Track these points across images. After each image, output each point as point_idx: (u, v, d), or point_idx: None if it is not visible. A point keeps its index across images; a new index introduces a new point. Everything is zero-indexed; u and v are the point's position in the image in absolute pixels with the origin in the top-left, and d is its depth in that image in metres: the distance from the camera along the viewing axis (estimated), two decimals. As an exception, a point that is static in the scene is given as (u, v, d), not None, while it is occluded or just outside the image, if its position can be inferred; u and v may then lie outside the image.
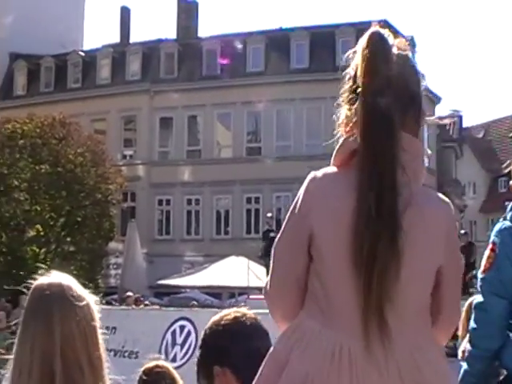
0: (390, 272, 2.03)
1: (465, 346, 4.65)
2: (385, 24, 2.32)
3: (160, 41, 43.06)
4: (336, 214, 2.10)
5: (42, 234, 32.39)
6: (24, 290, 2.29)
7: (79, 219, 33.04)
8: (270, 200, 37.55)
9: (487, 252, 3.89)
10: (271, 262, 2.24)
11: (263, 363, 2.19)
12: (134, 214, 38.85)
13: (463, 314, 5.48)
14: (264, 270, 19.75)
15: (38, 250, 32.15)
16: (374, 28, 2.20)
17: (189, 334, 12.05)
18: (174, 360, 10.96)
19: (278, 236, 2.23)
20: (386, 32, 2.21)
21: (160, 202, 40.87)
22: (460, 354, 5.02)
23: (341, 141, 2.19)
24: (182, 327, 12.24)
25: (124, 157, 41.77)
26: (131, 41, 45.80)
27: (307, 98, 37.14)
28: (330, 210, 2.11)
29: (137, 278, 24.28)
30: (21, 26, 42.32)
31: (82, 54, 44.37)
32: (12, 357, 2.20)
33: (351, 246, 2.05)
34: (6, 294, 23.86)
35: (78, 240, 32.92)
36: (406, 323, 2.08)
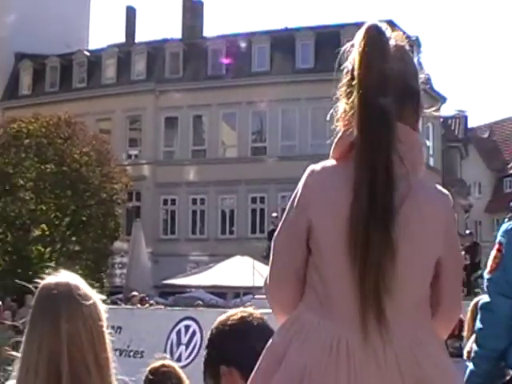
0: (386, 265, 2.03)
1: (470, 346, 4.65)
2: (390, 24, 2.32)
3: (165, 40, 43.08)
4: (334, 207, 2.10)
5: (47, 233, 32.43)
6: (30, 289, 2.30)
7: (84, 219, 33.07)
8: (275, 200, 37.52)
9: (493, 252, 3.88)
10: (271, 255, 2.25)
11: (261, 356, 2.18)
12: (139, 213, 38.87)
13: (468, 314, 5.48)
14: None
15: (43, 250, 32.20)
16: (372, 21, 2.20)
17: (194, 333, 12.06)
18: (179, 360, 10.95)
19: (278, 230, 2.24)
20: (383, 25, 2.21)
21: (165, 202, 40.89)
22: (465, 354, 5.02)
23: (339, 134, 2.20)
24: (187, 327, 12.25)
25: (129, 156, 41.80)
26: (136, 40, 45.81)
27: (312, 97, 37.07)
28: (328, 203, 2.12)
29: (142, 278, 24.30)
30: (26, 26, 42.38)
31: (88, 53, 44.40)
32: (19, 355, 2.21)
33: (347, 239, 2.06)
34: (11, 293, 23.91)
35: (83, 239, 32.96)
36: (404, 316, 2.08)
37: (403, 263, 2.05)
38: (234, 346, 2.60)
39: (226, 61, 40.31)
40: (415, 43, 37.98)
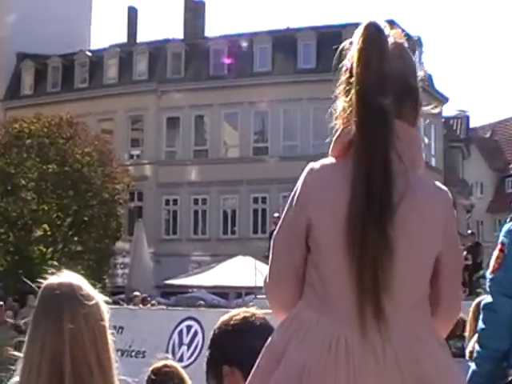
0: (383, 262, 2.03)
1: (472, 346, 4.65)
2: (392, 24, 2.31)
3: (167, 41, 43.09)
4: (333, 205, 2.10)
5: (49, 233, 32.44)
6: (32, 289, 2.30)
7: (86, 219, 33.07)
8: (276, 200, 37.50)
9: (496, 252, 3.88)
10: (270, 254, 2.25)
11: (260, 355, 2.18)
12: (141, 213, 38.89)
13: (470, 315, 5.48)
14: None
15: (45, 250, 32.20)
16: (370, 19, 2.20)
17: (196, 333, 12.06)
18: (180, 360, 10.97)
19: (277, 228, 2.24)
20: (382, 23, 2.21)
21: (167, 202, 40.90)
22: (467, 355, 5.02)
23: (338, 132, 2.20)
24: (189, 327, 12.25)
25: (131, 156, 41.82)
26: (138, 41, 45.85)
27: (314, 98, 37.03)
28: (327, 201, 2.12)
29: (144, 278, 24.29)
30: (28, 26, 42.41)
31: (89, 53, 44.43)
32: (21, 355, 2.21)
33: (346, 237, 2.06)
34: (13, 293, 23.92)
35: (85, 239, 32.95)
36: (403, 313, 2.08)
37: (402, 261, 2.05)
38: (237, 347, 2.60)
39: (227, 61, 40.33)
40: (417, 43, 37.96)
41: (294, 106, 38.95)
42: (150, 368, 3.74)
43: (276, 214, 23.48)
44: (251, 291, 22.02)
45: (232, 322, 2.67)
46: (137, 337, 12.28)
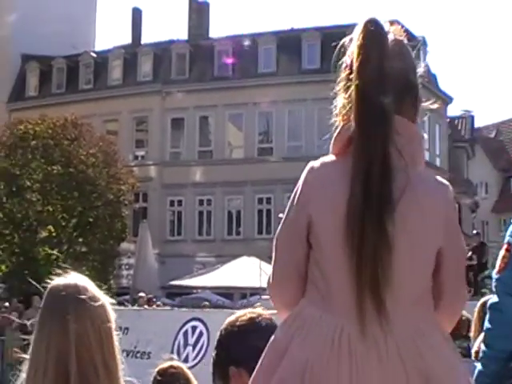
0: (382, 257, 2.03)
1: (478, 346, 4.64)
2: (396, 24, 2.31)
3: (171, 42, 43.12)
4: (333, 202, 2.11)
5: (54, 234, 32.46)
6: (37, 290, 2.30)
7: (91, 220, 33.10)
8: (281, 200, 37.44)
9: (502, 252, 3.86)
10: (273, 254, 2.26)
11: (264, 353, 2.18)
12: (146, 214, 38.92)
13: (475, 315, 5.47)
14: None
15: (50, 251, 32.23)
16: (370, 16, 2.20)
17: (201, 334, 12.07)
18: (186, 361, 10.97)
19: (279, 227, 2.25)
20: (381, 19, 2.20)
21: (172, 203, 40.92)
22: (473, 355, 5.01)
23: (338, 129, 2.20)
24: (194, 328, 12.26)
25: (136, 157, 41.85)
26: (143, 42, 45.86)
27: (318, 98, 36.95)
28: (327, 199, 2.12)
29: (149, 279, 24.32)
30: (33, 27, 42.47)
31: (94, 55, 44.48)
32: (27, 356, 2.22)
33: (345, 232, 2.06)
34: (18, 294, 23.96)
35: (89, 241, 32.99)
36: (405, 307, 2.07)
37: (401, 257, 2.05)
38: (243, 347, 2.59)
39: (232, 61, 40.33)
40: (422, 43, 37.92)
41: (298, 106, 38.94)
42: (156, 369, 3.74)
43: (281, 215, 23.33)
44: (256, 292, 22.02)
45: (238, 323, 2.67)
46: (142, 338, 12.29)
